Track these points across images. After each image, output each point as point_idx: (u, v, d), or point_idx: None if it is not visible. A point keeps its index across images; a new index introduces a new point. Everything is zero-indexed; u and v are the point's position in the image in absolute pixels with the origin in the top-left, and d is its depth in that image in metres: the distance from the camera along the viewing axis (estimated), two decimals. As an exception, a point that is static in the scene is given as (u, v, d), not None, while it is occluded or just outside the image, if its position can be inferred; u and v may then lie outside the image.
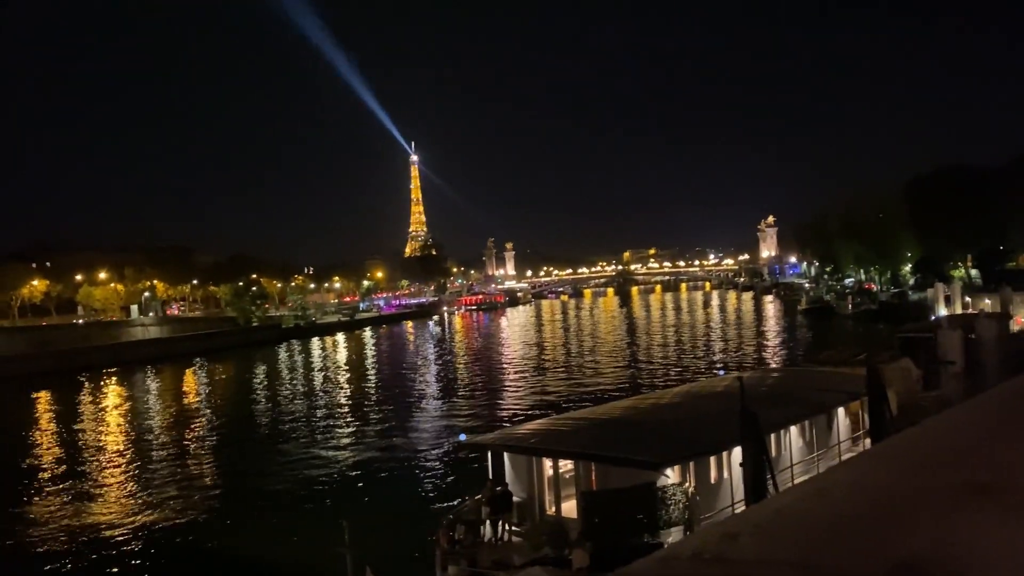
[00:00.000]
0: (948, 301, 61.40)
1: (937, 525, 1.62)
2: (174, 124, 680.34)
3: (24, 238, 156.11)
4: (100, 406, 62.37)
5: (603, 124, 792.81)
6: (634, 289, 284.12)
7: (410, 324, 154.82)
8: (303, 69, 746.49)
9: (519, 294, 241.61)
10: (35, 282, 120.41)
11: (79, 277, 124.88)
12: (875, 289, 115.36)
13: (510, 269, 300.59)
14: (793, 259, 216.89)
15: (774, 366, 55.17)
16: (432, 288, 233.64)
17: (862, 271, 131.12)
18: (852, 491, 1.93)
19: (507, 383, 60.09)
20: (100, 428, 51.22)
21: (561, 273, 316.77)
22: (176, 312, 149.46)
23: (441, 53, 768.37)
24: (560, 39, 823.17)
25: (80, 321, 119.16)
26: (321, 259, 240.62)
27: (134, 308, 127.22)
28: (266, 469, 35.44)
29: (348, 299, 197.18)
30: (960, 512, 1.65)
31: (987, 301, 58.56)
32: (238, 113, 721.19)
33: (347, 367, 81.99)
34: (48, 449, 44.68)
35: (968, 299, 61.97)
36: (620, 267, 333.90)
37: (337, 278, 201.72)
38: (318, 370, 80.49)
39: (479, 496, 18.29)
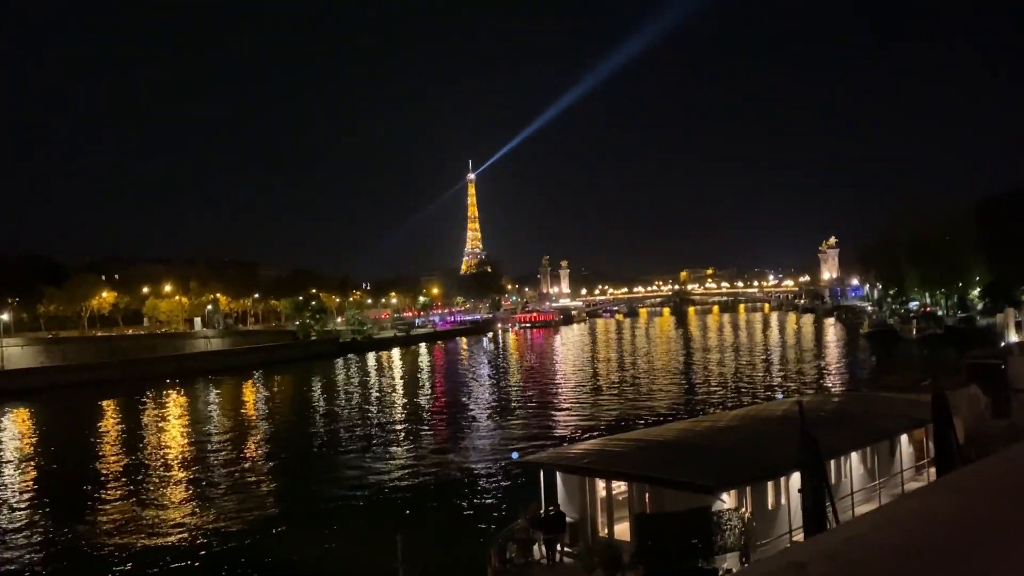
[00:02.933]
0: (1019, 327, 59.25)
1: (1017, 558, 1.56)
2: (241, 144, 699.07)
3: (98, 251, 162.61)
4: (163, 415, 64.06)
5: (662, 143, 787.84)
6: (691, 309, 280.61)
7: (464, 340, 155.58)
8: (363, 88, 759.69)
9: (573, 312, 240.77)
10: (104, 294, 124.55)
11: (146, 289, 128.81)
12: (939, 313, 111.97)
13: (564, 287, 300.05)
14: (855, 281, 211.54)
15: (835, 390, 53.77)
16: (487, 305, 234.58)
17: (927, 295, 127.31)
18: (925, 521, 1.84)
19: (560, 402, 59.84)
20: (161, 436, 52.59)
21: (616, 292, 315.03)
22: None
23: (498, 70, 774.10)
24: (619, 59, 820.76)
25: (148, 332, 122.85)
26: (378, 275, 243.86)
27: (197, 320, 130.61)
28: (322, 481, 35.90)
29: (408, 314, 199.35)
30: None
31: (1062, 328, 56.27)
32: (301, 131, 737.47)
33: (403, 382, 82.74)
34: (111, 455, 46.01)
35: (1041, 325, 59.65)
36: (677, 287, 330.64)
37: (394, 294, 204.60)
38: (374, 385, 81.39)
39: (529, 515, 18.21)
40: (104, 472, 40.74)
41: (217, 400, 74.69)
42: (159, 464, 42.35)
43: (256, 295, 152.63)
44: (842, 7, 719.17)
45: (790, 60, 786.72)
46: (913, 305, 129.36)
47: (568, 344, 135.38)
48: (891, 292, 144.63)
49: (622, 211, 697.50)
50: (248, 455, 43.90)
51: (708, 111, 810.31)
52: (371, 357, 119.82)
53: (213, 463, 41.81)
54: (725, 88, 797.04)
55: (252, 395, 77.69)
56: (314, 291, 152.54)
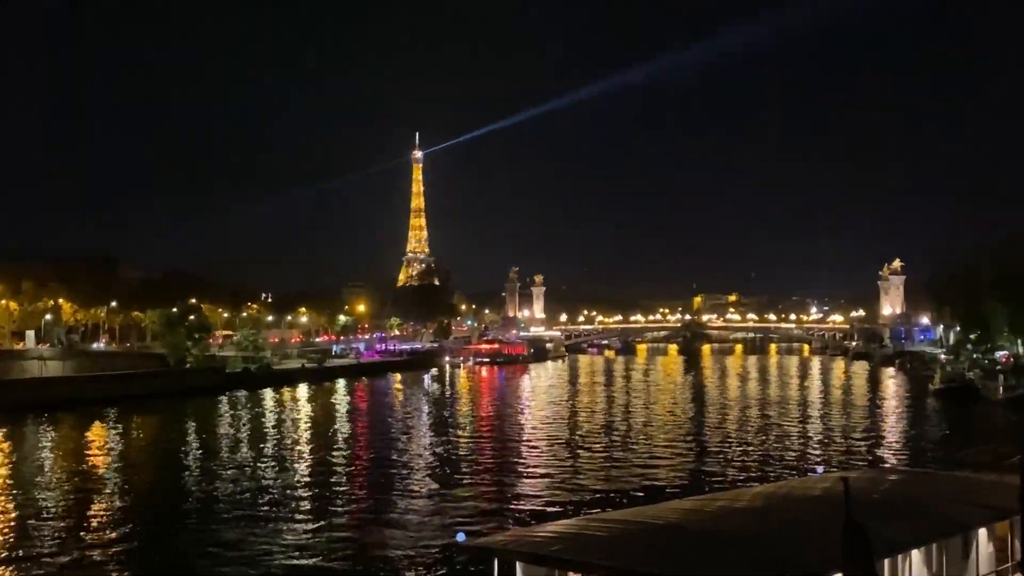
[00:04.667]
0: None
1: None
2: (119, 119, 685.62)
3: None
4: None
5: (677, 132, 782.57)
6: (705, 348, 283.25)
7: (399, 377, 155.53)
8: (273, 31, 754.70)
9: (548, 344, 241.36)
10: None
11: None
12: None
13: (538, 311, 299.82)
14: (924, 320, 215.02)
15: (892, 466, 54.54)
16: (431, 330, 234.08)
17: (1020, 342, 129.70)
18: None
19: (524, 467, 59.90)
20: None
21: (607, 320, 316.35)
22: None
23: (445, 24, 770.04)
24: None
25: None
26: (286, 284, 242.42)
27: (30, 334, 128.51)
28: (192, 567, 35.48)
29: (323, 338, 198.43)
30: None
31: None
32: (181, 90, 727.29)
33: (310, 432, 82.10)
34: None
35: None
36: (688, 316, 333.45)
37: (304, 310, 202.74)
38: (271, 434, 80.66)
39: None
40: None
41: (49, 447, 73.47)
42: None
43: (114, 303, 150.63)
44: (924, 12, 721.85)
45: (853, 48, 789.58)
46: (1000, 355, 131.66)
47: (539, 388, 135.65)
48: (972, 336, 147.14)
49: (618, 216, 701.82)
50: (90, 527, 43.24)
51: (738, 93, 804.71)
52: (268, 395, 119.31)
53: (40, 536, 41.09)
54: (762, 67, 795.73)
55: (99, 442, 76.53)
56: (194, 301, 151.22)
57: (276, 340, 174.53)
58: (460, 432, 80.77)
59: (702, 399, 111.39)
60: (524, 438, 75.58)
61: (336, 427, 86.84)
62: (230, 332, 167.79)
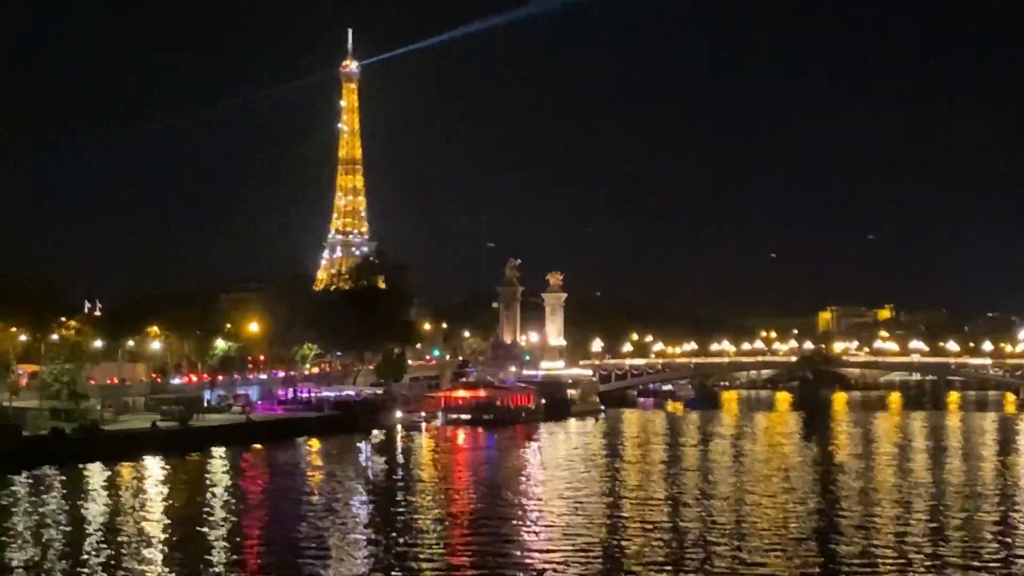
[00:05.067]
0: None
1: None
2: None
3: None
4: None
5: (771, 51, 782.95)
6: (838, 397, 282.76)
7: (316, 446, 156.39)
8: None
9: (571, 391, 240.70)
10: None
11: None
12: None
13: (553, 334, 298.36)
14: None
15: None
16: (373, 366, 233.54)
17: None
18: None
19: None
20: None
21: (671, 350, 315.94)
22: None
23: None
24: None
25: None
26: (127, 287, 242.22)
27: None
28: None
29: (189, 379, 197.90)
30: None
31: None
32: None
33: (164, 546, 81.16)
34: None
35: None
36: (809, 345, 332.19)
37: (157, 330, 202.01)
38: (95, 548, 79.61)
39: None
40: None
41: None
42: None
43: None
44: None
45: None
46: None
47: (557, 467, 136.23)
48: None
49: (687, 182, 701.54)
50: None
51: None
52: (96, 475, 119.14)
53: None
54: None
55: None
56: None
57: (112, 381, 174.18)
58: (419, 546, 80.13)
59: (833, 487, 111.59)
60: (530, 558, 75.07)
61: (207, 535, 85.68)
62: (32, 367, 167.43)
